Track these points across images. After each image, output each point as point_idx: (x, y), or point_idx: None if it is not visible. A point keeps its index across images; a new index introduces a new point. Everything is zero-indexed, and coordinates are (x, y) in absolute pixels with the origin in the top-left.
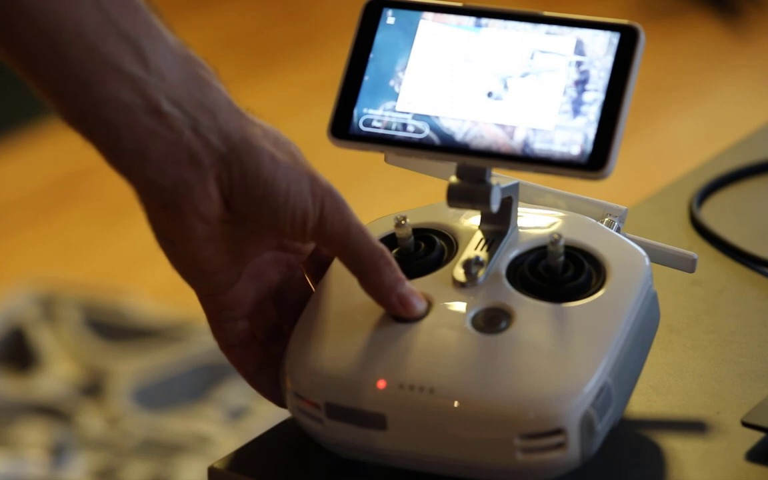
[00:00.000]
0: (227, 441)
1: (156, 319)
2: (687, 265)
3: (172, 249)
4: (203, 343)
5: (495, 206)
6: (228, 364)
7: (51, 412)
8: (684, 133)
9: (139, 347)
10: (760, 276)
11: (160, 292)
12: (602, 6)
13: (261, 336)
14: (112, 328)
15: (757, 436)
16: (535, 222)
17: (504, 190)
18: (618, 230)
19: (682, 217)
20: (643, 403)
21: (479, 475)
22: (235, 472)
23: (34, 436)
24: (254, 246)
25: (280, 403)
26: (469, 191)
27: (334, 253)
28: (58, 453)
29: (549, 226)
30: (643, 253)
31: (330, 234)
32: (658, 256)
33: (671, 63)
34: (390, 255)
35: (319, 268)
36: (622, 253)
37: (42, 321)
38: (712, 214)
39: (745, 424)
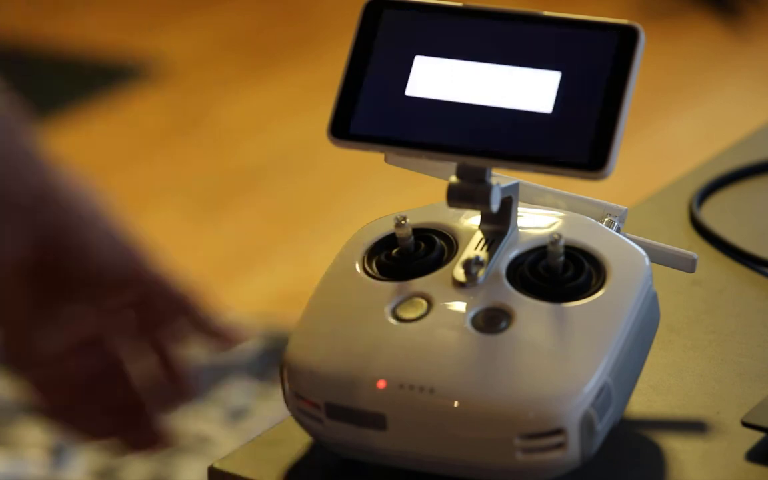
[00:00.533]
0: (227, 441)
1: None
2: (687, 265)
3: None
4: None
5: (495, 206)
6: (228, 364)
7: None
8: (684, 133)
9: None
10: (760, 276)
11: None
12: (602, 6)
13: (77, 381)
14: None
15: (757, 436)
16: (535, 222)
17: (504, 190)
18: (618, 230)
19: (682, 217)
20: (643, 403)
21: (479, 475)
22: (235, 472)
23: (34, 436)
24: (64, 297)
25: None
26: (469, 191)
27: (146, 303)
28: (58, 453)
29: (549, 226)
30: (643, 253)
31: (138, 285)
32: (658, 256)
33: (671, 63)
34: (194, 297)
35: (143, 317)
36: (622, 253)
37: None
38: (712, 214)
39: (745, 424)
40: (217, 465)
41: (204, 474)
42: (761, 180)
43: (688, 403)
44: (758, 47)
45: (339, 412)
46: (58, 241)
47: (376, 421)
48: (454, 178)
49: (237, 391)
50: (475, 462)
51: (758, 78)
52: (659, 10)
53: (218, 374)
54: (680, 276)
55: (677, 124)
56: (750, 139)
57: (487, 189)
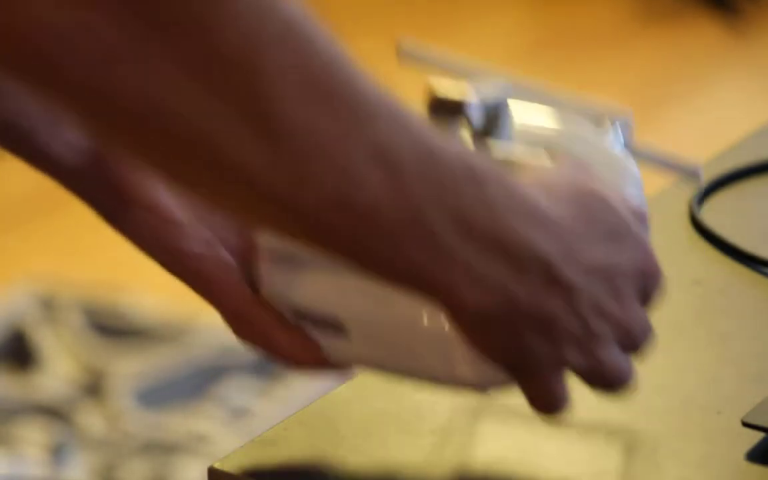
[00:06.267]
0: (227, 441)
1: (156, 318)
2: (691, 173)
3: None
4: (203, 343)
5: (478, 122)
6: (227, 363)
7: (51, 411)
8: (684, 133)
9: (140, 347)
10: (761, 276)
11: (161, 290)
12: (603, 6)
13: None
14: (113, 328)
15: (757, 436)
16: (531, 137)
17: (489, 107)
18: (624, 142)
19: (683, 217)
20: (643, 403)
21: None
22: (235, 472)
23: (34, 435)
24: None
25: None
26: (450, 105)
27: None
28: (58, 452)
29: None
30: (637, 173)
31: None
32: (660, 165)
33: (671, 63)
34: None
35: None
36: (616, 171)
37: (42, 321)
38: (712, 214)
39: (746, 424)
40: (217, 465)
41: (204, 474)
42: (762, 180)
43: (688, 403)
44: (758, 46)
45: (305, 317)
46: None
47: (337, 327)
48: (435, 90)
49: (237, 390)
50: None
51: (759, 77)
52: (659, 9)
53: (218, 374)
54: (680, 276)
55: (677, 124)
56: (751, 139)
57: (470, 104)
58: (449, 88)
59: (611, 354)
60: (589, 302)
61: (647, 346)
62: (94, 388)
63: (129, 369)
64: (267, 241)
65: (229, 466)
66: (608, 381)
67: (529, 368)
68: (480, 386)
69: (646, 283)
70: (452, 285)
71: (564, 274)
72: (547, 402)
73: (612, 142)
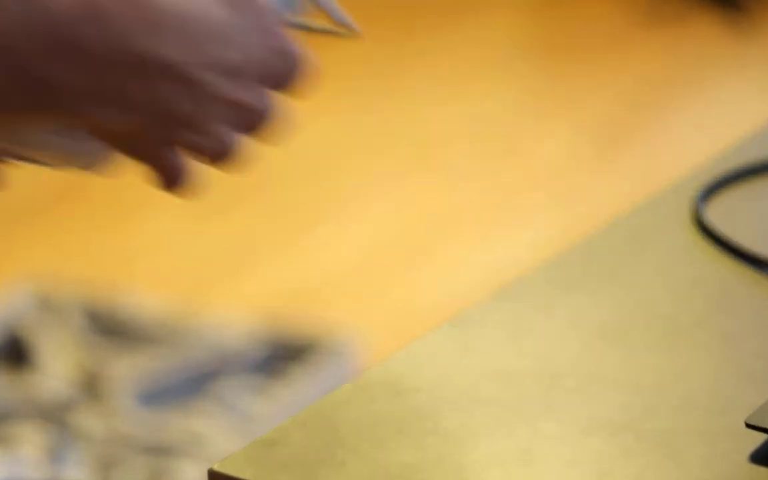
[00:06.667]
0: (226, 441)
1: (155, 319)
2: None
3: None
4: (203, 343)
5: None
6: (227, 364)
7: (49, 412)
8: (688, 132)
9: (138, 347)
10: (764, 276)
11: (160, 290)
12: (605, 8)
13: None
14: (112, 328)
15: (761, 438)
16: None
17: None
18: None
19: (686, 216)
20: (643, 403)
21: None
22: (235, 474)
23: (32, 436)
24: None
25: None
26: None
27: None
28: (56, 453)
29: None
30: None
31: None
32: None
33: (673, 64)
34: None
35: None
36: None
37: (41, 321)
38: (715, 213)
39: (749, 426)
40: (216, 467)
41: (204, 474)
42: (765, 180)
43: (690, 404)
44: (761, 46)
45: None
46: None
47: None
48: None
49: (236, 391)
50: None
51: (761, 77)
52: (661, 11)
53: (218, 374)
54: (683, 275)
55: (681, 122)
56: (754, 138)
57: None
58: None
59: (219, 132)
60: (206, 90)
61: (266, 125)
62: (92, 388)
63: (128, 369)
64: None
65: (228, 469)
66: (212, 155)
67: (149, 152)
68: (89, 163)
69: (277, 66)
70: (83, 118)
71: (185, 72)
72: (169, 178)
73: None
